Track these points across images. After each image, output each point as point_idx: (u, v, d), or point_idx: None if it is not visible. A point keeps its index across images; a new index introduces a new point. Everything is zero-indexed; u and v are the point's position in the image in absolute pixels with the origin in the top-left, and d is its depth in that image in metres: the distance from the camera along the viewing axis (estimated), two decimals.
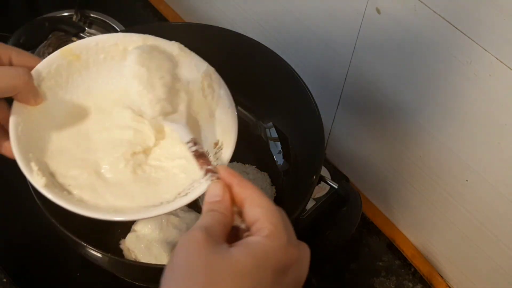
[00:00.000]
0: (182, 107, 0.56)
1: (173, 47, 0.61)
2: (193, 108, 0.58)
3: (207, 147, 0.56)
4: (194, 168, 0.50)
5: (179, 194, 0.54)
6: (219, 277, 0.38)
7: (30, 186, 0.67)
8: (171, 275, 0.40)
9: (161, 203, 0.53)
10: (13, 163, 0.71)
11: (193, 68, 0.60)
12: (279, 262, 0.40)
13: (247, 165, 0.82)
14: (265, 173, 0.82)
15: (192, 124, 0.57)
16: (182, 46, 0.61)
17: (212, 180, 0.46)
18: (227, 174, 0.46)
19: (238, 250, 0.40)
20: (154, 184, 0.55)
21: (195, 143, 0.51)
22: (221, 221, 0.43)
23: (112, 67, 0.58)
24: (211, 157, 0.55)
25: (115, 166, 0.55)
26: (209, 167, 0.47)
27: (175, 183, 0.55)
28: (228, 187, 0.45)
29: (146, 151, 0.57)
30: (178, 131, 0.54)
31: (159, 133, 0.58)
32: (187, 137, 0.52)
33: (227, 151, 0.55)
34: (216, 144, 0.57)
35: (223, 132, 0.58)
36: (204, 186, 0.48)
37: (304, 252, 0.43)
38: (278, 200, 0.81)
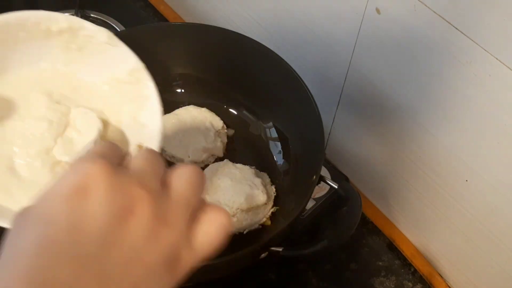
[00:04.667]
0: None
1: (101, 34, 0.54)
2: (111, 111, 0.53)
3: (131, 149, 0.52)
4: None
5: None
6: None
7: None
8: None
9: None
10: None
11: (118, 62, 0.54)
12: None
13: (238, 164, 0.82)
14: (265, 173, 0.82)
15: (111, 127, 0.53)
16: (111, 34, 0.54)
17: None
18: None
19: None
20: None
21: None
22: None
23: (33, 47, 0.52)
24: None
25: (30, 164, 0.49)
26: None
27: None
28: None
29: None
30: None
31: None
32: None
33: None
34: (140, 146, 0.52)
35: (148, 137, 0.52)
36: None
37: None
38: (278, 200, 0.81)
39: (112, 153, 0.36)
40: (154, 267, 0.33)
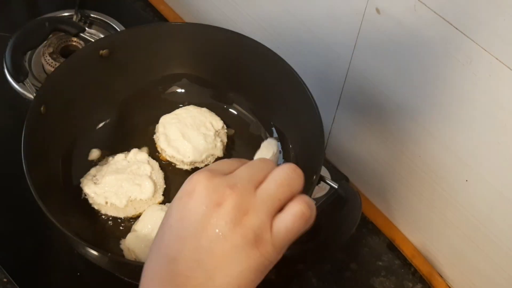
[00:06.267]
0: None
1: None
2: None
3: None
4: None
5: None
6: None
7: (30, 186, 0.67)
8: None
9: None
10: (13, 163, 0.71)
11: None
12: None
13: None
14: None
15: None
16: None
17: None
18: None
19: None
20: None
21: None
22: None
23: None
24: None
25: None
26: None
27: None
28: None
29: None
30: None
31: None
32: None
33: None
34: None
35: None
36: None
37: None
38: None
39: (221, 165, 0.48)
40: (238, 243, 0.44)
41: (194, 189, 0.45)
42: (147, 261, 0.47)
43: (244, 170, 0.47)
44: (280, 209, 0.46)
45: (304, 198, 0.47)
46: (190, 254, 0.44)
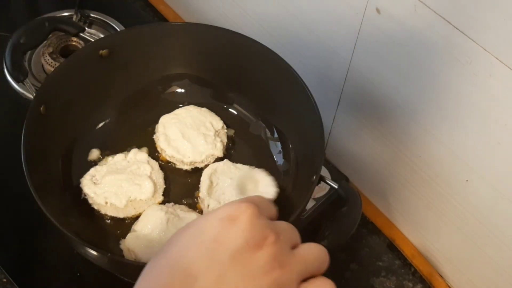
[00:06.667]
0: None
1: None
2: None
3: None
4: None
5: None
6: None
7: (30, 186, 0.67)
8: None
9: None
10: (13, 163, 0.71)
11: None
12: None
13: (238, 164, 0.82)
14: None
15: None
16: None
17: None
18: None
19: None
20: None
21: None
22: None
23: None
24: None
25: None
26: None
27: None
28: None
29: None
30: None
31: None
32: None
33: None
34: None
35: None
36: None
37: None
38: (278, 200, 0.81)
39: (264, 206, 0.47)
40: None
41: (239, 218, 0.44)
42: (152, 264, 0.45)
43: (285, 225, 0.47)
44: (305, 279, 0.46)
45: (331, 281, 0.47)
46: (212, 280, 0.42)
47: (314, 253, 0.47)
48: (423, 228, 0.86)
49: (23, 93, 0.93)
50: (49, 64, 0.96)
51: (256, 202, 0.46)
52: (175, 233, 0.46)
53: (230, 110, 0.89)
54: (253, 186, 0.76)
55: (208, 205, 0.77)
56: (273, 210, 0.48)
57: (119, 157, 0.82)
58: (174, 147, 0.82)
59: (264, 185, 0.76)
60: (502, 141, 0.65)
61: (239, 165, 0.81)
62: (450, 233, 0.80)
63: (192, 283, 0.42)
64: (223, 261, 0.43)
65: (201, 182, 0.80)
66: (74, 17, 1.04)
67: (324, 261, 0.47)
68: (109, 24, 1.05)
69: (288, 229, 0.47)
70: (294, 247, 0.46)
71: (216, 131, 0.84)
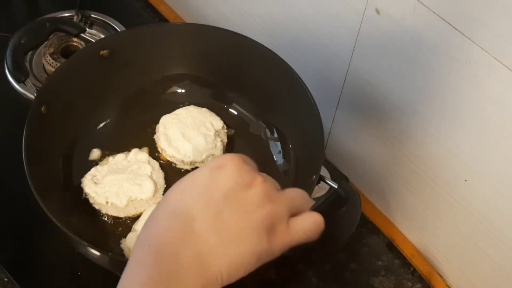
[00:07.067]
0: None
1: None
2: None
3: None
4: None
5: None
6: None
7: (31, 186, 0.67)
8: None
9: None
10: (13, 163, 0.72)
11: None
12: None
13: None
14: (265, 173, 0.82)
15: None
16: None
17: None
18: None
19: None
20: None
21: None
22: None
23: None
24: None
25: None
26: None
27: None
28: None
29: None
30: None
31: None
32: None
33: None
34: None
35: None
36: None
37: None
38: None
39: (248, 160, 0.51)
40: (256, 224, 0.46)
41: (226, 165, 0.48)
42: (153, 214, 0.48)
43: (269, 176, 0.51)
44: (294, 215, 0.50)
45: (316, 212, 0.51)
46: (209, 218, 0.46)
47: (297, 193, 0.51)
48: (423, 228, 0.86)
49: (24, 93, 0.93)
50: (50, 65, 0.97)
51: (241, 155, 0.50)
52: (171, 187, 0.49)
53: (230, 110, 0.89)
54: None
55: None
56: (255, 166, 0.52)
57: (120, 157, 0.82)
58: (174, 147, 0.83)
59: None
60: (502, 141, 0.65)
61: None
62: (449, 232, 0.80)
63: (191, 223, 0.46)
64: (218, 201, 0.46)
65: None
66: (75, 17, 1.04)
67: (307, 200, 0.52)
68: (109, 24, 1.05)
69: (270, 177, 0.51)
70: (278, 190, 0.50)
71: (216, 131, 0.85)
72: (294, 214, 0.50)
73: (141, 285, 0.44)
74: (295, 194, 0.51)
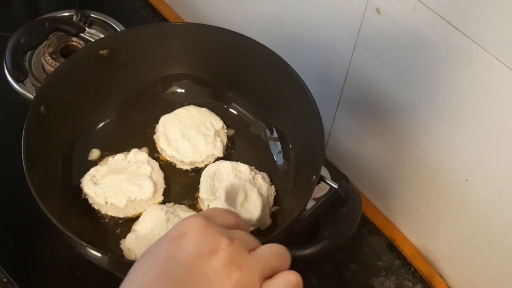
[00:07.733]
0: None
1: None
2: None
3: None
4: None
5: None
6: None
7: (30, 186, 0.67)
8: None
9: None
10: (13, 163, 0.71)
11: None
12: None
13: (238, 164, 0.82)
14: (265, 173, 0.82)
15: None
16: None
17: None
18: None
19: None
20: None
21: None
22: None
23: None
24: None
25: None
26: None
27: None
28: None
29: None
30: None
31: None
32: None
33: None
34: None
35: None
36: None
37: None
38: (278, 200, 0.81)
39: (220, 216, 0.48)
40: None
41: (187, 232, 0.45)
42: None
43: (241, 232, 0.47)
44: (269, 277, 0.45)
45: (295, 272, 0.46)
46: None
47: (272, 251, 0.47)
48: (423, 228, 0.86)
49: (23, 93, 0.93)
50: (49, 64, 0.97)
51: (207, 215, 0.47)
52: (137, 261, 0.47)
53: (230, 110, 0.89)
54: (242, 200, 0.75)
55: (208, 205, 0.77)
56: (231, 220, 0.49)
57: (119, 157, 0.82)
58: (174, 147, 0.82)
59: (251, 206, 0.75)
60: (502, 141, 0.65)
61: (242, 168, 0.81)
62: (450, 233, 0.80)
63: None
64: (178, 275, 0.43)
65: (201, 183, 0.80)
66: (74, 17, 1.04)
67: (285, 257, 0.47)
68: (109, 24, 1.05)
69: (244, 235, 0.47)
70: (252, 250, 0.46)
71: (216, 131, 0.84)
72: (269, 275, 0.45)
73: None
74: (269, 253, 0.46)
